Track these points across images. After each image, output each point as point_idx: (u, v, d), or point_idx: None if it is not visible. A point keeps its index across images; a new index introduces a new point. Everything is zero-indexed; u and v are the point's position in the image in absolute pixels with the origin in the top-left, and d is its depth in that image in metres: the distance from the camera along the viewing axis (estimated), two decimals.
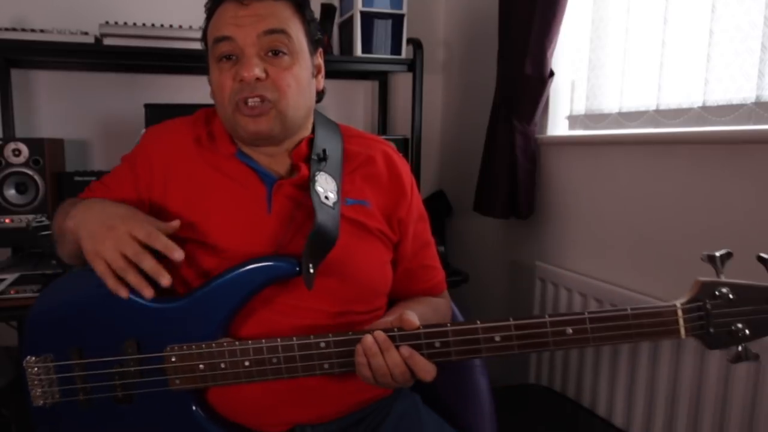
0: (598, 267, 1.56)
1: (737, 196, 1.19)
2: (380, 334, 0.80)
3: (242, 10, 0.88)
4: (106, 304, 0.85)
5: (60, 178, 1.75)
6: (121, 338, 0.86)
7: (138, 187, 0.96)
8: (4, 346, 1.87)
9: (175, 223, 0.86)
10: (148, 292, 0.81)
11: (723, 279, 0.79)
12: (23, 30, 1.75)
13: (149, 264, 0.81)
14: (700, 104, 1.31)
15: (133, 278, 0.81)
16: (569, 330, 0.79)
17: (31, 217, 1.66)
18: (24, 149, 1.65)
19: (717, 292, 0.78)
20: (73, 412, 0.88)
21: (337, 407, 0.92)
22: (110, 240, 0.81)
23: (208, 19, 0.94)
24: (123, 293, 0.82)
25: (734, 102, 1.24)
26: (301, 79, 0.91)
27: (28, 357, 0.87)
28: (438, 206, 2.33)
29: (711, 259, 0.79)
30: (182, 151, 0.96)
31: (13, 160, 1.65)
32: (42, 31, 1.74)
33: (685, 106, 1.35)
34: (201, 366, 0.84)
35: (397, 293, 1.03)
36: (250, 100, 0.88)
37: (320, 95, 1.01)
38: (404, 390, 1.02)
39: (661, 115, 1.41)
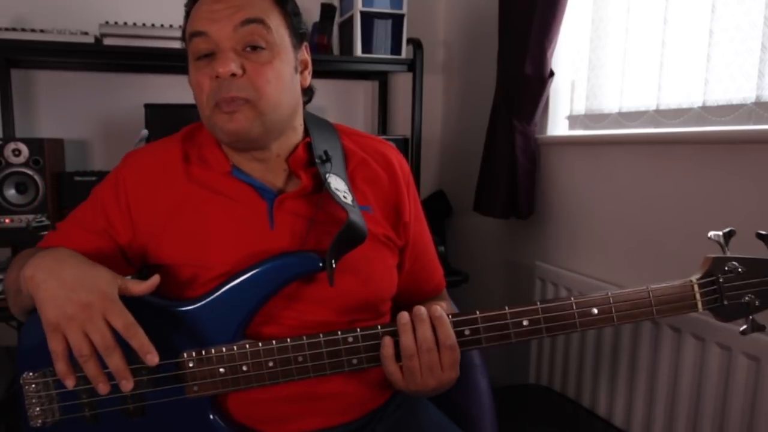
0: (598, 267, 1.56)
1: (737, 196, 1.19)
2: (420, 308, 0.80)
3: (217, 3, 0.84)
4: None
5: (60, 178, 1.75)
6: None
7: (118, 228, 0.90)
8: (4, 346, 1.87)
9: (155, 279, 0.78)
10: (104, 388, 0.72)
11: (729, 254, 0.84)
12: (23, 30, 1.75)
13: (116, 363, 0.71)
14: (700, 104, 1.31)
15: (93, 371, 0.71)
16: (594, 311, 0.82)
17: (31, 217, 1.66)
18: (24, 149, 1.65)
19: (727, 267, 0.84)
20: (78, 428, 0.81)
21: (347, 414, 0.91)
22: (80, 319, 0.70)
23: (187, 17, 0.89)
24: (70, 383, 0.72)
25: (734, 102, 1.24)
26: (282, 74, 0.86)
27: (26, 373, 0.79)
28: (438, 206, 2.33)
29: (716, 237, 0.86)
30: (171, 174, 0.91)
31: (13, 160, 1.65)
32: (42, 31, 1.74)
33: (685, 106, 1.35)
34: (221, 370, 0.80)
35: (403, 296, 1.01)
36: (225, 105, 0.83)
37: (309, 93, 0.96)
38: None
39: (661, 115, 1.41)
